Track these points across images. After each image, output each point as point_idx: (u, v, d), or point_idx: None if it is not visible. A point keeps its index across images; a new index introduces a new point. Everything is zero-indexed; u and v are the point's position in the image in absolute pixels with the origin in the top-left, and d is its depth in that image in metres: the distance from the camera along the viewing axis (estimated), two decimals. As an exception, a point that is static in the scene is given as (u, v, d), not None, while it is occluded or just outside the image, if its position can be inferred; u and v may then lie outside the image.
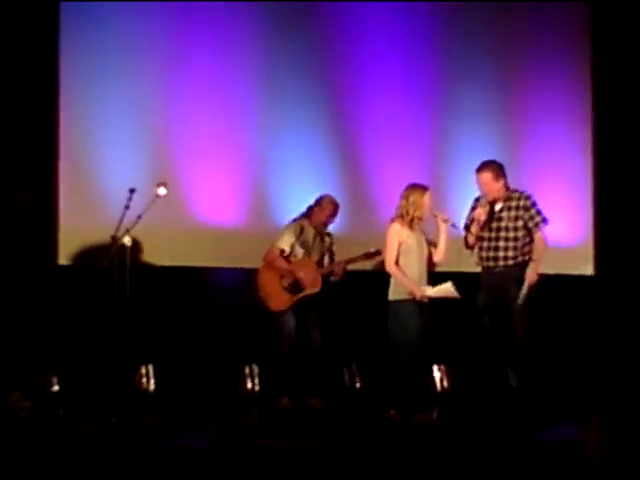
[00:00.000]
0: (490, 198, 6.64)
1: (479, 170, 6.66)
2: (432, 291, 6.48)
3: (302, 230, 7.16)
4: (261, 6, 7.72)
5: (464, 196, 7.80)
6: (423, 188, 6.58)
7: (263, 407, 7.05)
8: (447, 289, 6.47)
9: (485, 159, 6.76)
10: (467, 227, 6.77)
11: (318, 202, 7.17)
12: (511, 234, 6.62)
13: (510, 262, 6.60)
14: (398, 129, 7.88)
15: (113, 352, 6.41)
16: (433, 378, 7.47)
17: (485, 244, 6.66)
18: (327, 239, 7.27)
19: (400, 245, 6.52)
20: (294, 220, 7.23)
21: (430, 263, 6.65)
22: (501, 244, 6.62)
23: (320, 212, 7.16)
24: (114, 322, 6.39)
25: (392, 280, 6.54)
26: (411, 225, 6.53)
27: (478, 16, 7.98)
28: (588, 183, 8.16)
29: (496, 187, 6.62)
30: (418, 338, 6.44)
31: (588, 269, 8.10)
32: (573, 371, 7.39)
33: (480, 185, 6.66)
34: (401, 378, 6.40)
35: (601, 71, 8.15)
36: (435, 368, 7.52)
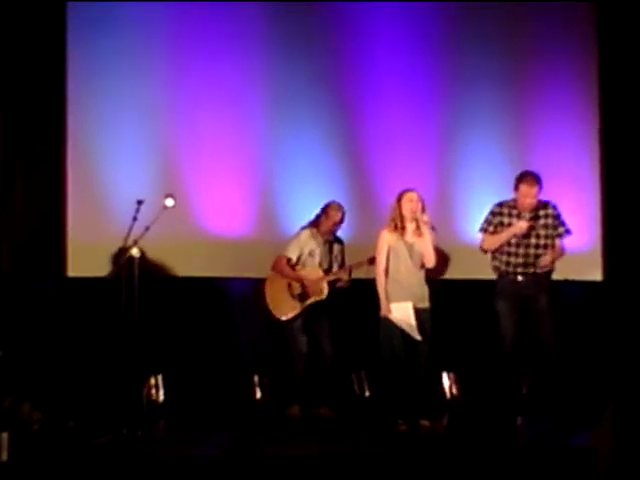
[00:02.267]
0: (527, 210, 6.64)
1: (531, 183, 6.59)
2: (398, 318, 6.48)
3: (309, 238, 7.17)
4: (270, 9, 7.72)
5: (472, 199, 7.81)
6: (402, 191, 6.61)
7: (273, 416, 7.04)
8: (407, 323, 6.46)
9: (529, 171, 6.69)
10: (484, 230, 6.76)
11: (324, 210, 7.19)
12: (542, 241, 6.66)
13: (539, 270, 6.62)
14: (406, 134, 7.87)
15: (122, 363, 6.42)
16: (442, 386, 7.46)
17: (512, 250, 6.66)
18: (336, 246, 7.28)
19: (388, 251, 6.55)
20: (302, 228, 7.25)
21: (429, 269, 6.67)
22: (531, 251, 6.64)
23: (326, 219, 7.17)
24: (123, 333, 6.40)
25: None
26: (396, 230, 6.57)
27: (485, 18, 7.96)
28: (596, 189, 8.15)
29: (537, 199, 6.65)
30: (402, 346, 6.44)
31: (597, 275, 8.08)
32: (583, 377, 7.37)
33: (529, 197, 6.58)
34: (398, 386, 6.42)
35: (609, 74, 8.14)
36: (444, 375, 7.51)
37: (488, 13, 7.97)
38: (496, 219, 6.73)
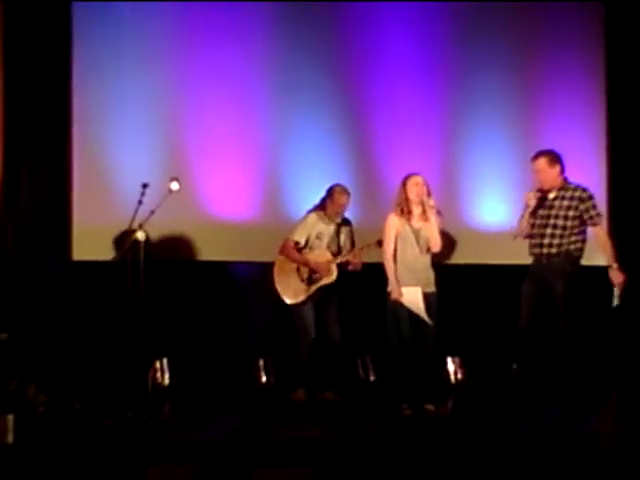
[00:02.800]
0: (545, 186, 6.58)
1: (534, 158, 6.60)
2: (409, 302, 6.49)
3: (316, 221, 7.17)
4: (278, 1, 7.71)
5: (477, 188, 7.80)
6: (407, 175, 6.61)
7: (278, 399, 7.06)
8: (417, 306, 6.46)
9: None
10: (519, 219, 6.72)
11: (329, 192, 7.18)
12: (560, 222, 6.55)
13: (554, 250, 6.53)
14: (411, 121, 7.86)
15: (127, 347, 6.43)
16: (447, 370, 7.47)
17: (535, 231, 6.61)
18: (344, 229, 7.26)
19: (396, 236, 6.54)
20: (308, 212, 7.24)
21: (435, 253, 6.67)
22: (548, 231, 6.55)
23: (332, 202, 7.16)
24: (128, 317, 6.41)
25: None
26: (403, 214, 6.56)
27: (493, 11, 7.94)
28: (603, 176, 8.12)
29: (551, 174, 6.55)
30: (410, 331, 6.45)
31: (603, 260, 8.06)
32: (587, 362, 7.37)
33: (535, 172, 6.57)
34: (404, 370, 6.42)
35: (616, 62, 8.11)
36: (449, 360, 7.51)
37: (496, 6, 7.93)
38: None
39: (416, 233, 6.61)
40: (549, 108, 8.01)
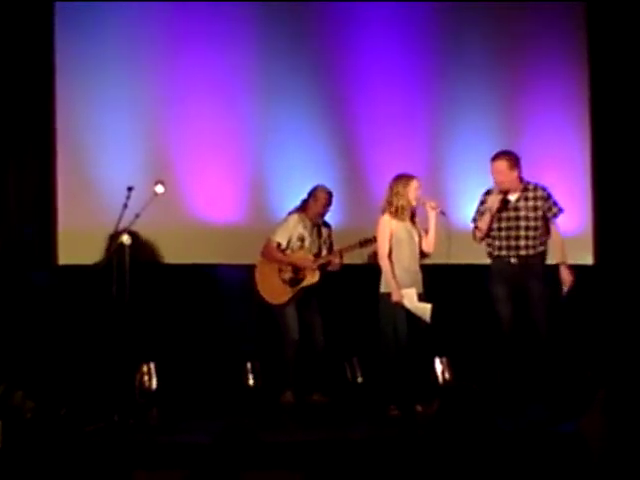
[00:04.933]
0: (503, 188, 6.62)
1: (494, 158, 6.64)
2: (409, 303, 6.48)
3: (298, 223, 7.17)
4: (258, 3, 7.71)
5: (462, 187, 7.82)
6: (407, 177, 6.60)
7: (266, 402, 7.05)
8: (423, 310, 6.48)
9: (501, 149, 6.75)
10: (474, 219, 6.76)
11: (311, 193, 7.19)
12: (532, 223, 6.62)
13: (531, 252, 6.61)
14: (396, 122, 7.87)
15: (114, 351, 6.42)
16: (435, 370, 7.47)
17: (503, 234, 6.64)
18: (324, 230, 7.28)
19: (391, 236, 6.54)
20: (290, 213, 7.24)
21: (421, 254, 6.67)
22: (522, 233, 6.61)
23: (314, 203, 7.17)
24: (114, 321, 6.40)
25: (383, 273, 6.56)
26: (398, 215, 6.55)
27: (476, 9, 7.96)
28: (587, 172, 8.15)
29: (510, 177, 6.60)
30: (406, 331, 6.45)
31: (588, 259, 8.09)
32: (573, 362, 7.39)
33: (494, 174, 6.63)
34: (396, 371, 6.42)
35: (598, 59, 8.14)
36: (437, 360, 7.52)
37: (479, 5, 7.95)
38: (483, 206, 6.73)
39: (409, 234, 6.61)
40: (532, 105, 8.04)
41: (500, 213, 6.63)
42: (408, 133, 7.90)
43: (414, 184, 6.57)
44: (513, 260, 6.63)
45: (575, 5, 8.13)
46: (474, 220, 6.77)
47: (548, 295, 6.62)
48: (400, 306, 6.48)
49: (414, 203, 6.59)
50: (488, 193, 6.72)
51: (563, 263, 6.67)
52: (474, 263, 7.39)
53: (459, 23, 7.95)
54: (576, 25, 8.11)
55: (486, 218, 6.64)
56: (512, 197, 6.66)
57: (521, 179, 6.67)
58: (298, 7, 7.80)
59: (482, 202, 6.74)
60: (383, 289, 6.59)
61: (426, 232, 6.69)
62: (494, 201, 6.60)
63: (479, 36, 8.00)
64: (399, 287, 6.50)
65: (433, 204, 6.62)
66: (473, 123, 7.95)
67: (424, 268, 6.75)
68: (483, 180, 7.46)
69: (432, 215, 6.62)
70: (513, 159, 6.63)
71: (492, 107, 8.00)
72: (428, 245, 6.67)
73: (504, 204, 6.63)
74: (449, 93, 7.96)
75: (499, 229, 6.67)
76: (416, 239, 6.64)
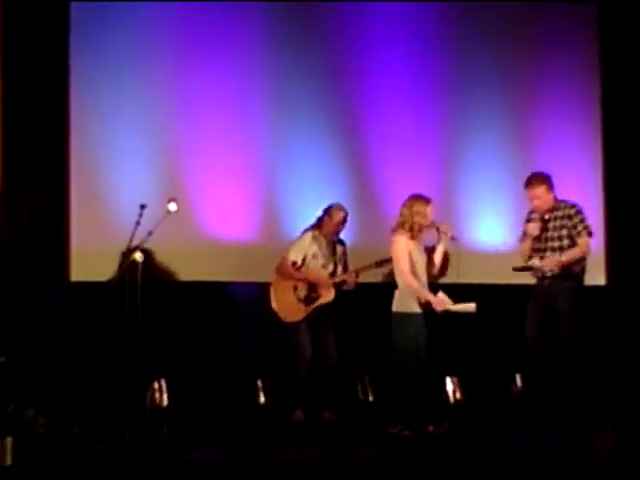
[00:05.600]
0: (542, 211, 6.61)
1: (530, 185, 6.60)
2: (451, 306, 6.46)
3: (313, 241, 7.17)
4: (271, 13, 7.73)
5: (473, 206, 7.81)
6: (426, 199, 6.59)
7: (277, 420, 7.04)
8: (468, 307, 6.46)
9: (533, 172, 6.71)
10: (520, 239, 6.74)
11: (326, 212, 7.19)
12: (556, 244, 6.58)
13: (558, 273, 6.55)
14: (408, 139, 7.87)
15: (126, 368, 6.42)
16: (446, 390, 7.45)
17: (534, 254, 6.63)
18: (339, 248, 7.28)
19: (409, 256, 6.53)
20: (305, 231, 7.25)
21: (428, 274, 6.66)
22: (548, 254, 6.58)
23: (329, 221, 7.17)
24: (126, 338, 6.41)
25: (397, 292, 6.54)
26: (414, 235, 6.54)
27: (487, 23, 7.96)
28: (599, 193, 8.14)
29: (548, 199, 6.59)
30: (424, 351, 6.43)
31: (600, 279, 8.07)
32: (586, 382, 7.36)
33: (533, 199, 6.59)
34: (408, 391, 6.39)
35: (611, 78, 8.13)
36: (448, 380, 7.50)
37: (490, 15, 7.96)
38: (525, 226, 6.71)
39: (422, 254, 6.60)
40: (544, 124, 8.03)
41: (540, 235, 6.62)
42: (420, 150, 7.90)
43: (431, 207, 6.56)
44: (546, 281, 6.58)
45: (586, 11, 8.12)
46: (520, 241, 6.74)
47: (577, 317, 6.55)
48: (446, 312, 6.43)
49: (429, 225, 6.57)
50: (530, 212, 6.67)
51: (562, 254, 6.52)
52: (485, 283, 7.39)
53: (472, 39, 7.94)
54: (588, 33, 8.10)
55: (527, 244, 6.63)
56: (545, 217, 6.63)
57: (555, 198, 6.65)
58: (311, 22, 7.81)
59: (528, 221, 6.70)
60: (400, 308, 6.51)
61: (430, 252, 6.67)
62: (534, 228, 6.59)
63: (492, 55, 8.00)
64: (433, 296, 6.45)
65: (446, 228, 6.61)
66: (485, 143, 7.95)
67: (435, 287, 6.74)
68: (495, 200, 7.48)
69: (443, 239, 6.61)
70: (549, 182, 6.61)
71: (505, 127, 8.00)
72: (435, 268, 6.66)
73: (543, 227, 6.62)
74: (462, 111, 7.96)
75: (532, 249, 6.64)
76: (425, 260, 6.63)
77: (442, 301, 6.44)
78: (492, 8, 7.93)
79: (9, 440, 5.43)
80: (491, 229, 7.67)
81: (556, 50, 8.04)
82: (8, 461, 5.41)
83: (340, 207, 7.18)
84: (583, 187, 8.06)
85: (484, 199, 7.75)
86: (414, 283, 6.47)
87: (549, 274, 6.53)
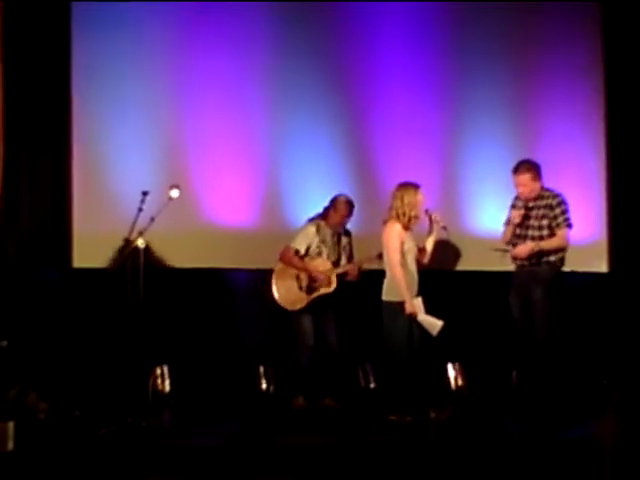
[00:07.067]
0: (528, 199, 6.63)
1: (517, 171, 6.65)
2: (422, 316, 6.46)
3: (318, 230, 7.17)
4: (274, 7, 7.73)
5: (478, 194, 7.81)
6: (415, 186, 6.58)
7: (279, 406, 7.06)
8: (433, 325, 6.44)
9: (521, 159, 6.76)
10: (504, 224, 6.76)
11: (332, 203, 7.18)
12: (536, 233, 6.61)
13: (534, 260, 6.57)
14: (411, 128, 7.87)
15: (128, 353, 6.43)
16: (447, 377, 7.46)
17: (515, 241, 6.65)
18: (344, 239, 7.28)
19: (402, 246, 6.53)
20: (310, 220, 7.24)
21: (419, 263, 6.66)
22: (528, 242, 6.59)
23: (335, 213, 7.17)
24: (128, 324, 6.41)
25: (386, 280, 6.54)
26: (407, 225, 6.54)
27: (490, 14, 7.95)
28: (602, 180, 8.13)
29: (534, 188, 6.61)
30: (418, 338, 6.43)
31: (602, 266, 8.07)
32: (588, 369, 7.37)
33: (518, 186, 6.64)
34: (404, 379, 6.40)
35: (614, 67, 8.12)
36: (450, 366, 7.51)
37: (494, 9, 7.95)
38: (509, 212, 6.74)
39: (414, 243, 6.60)
40: (548, 112, 8.02)
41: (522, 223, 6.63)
42: (423, 139, 7.89)
43: (421, 194, 6.56)
44: (519, 268, 6.63)
45: (590, 7, 8.11)
46: (505, 224, 6.76)
47: (551, 305, 6.57)
48: (414, 317, 6.44)
49: (420, 213, 6.57)
50: (515, 198, 6.69)
51: (539, 242, 6.52)
52: (487, 270, 7.39)
53: (474, 32, 7.92)
54: (592, 27, 8.09)
55: (509, 230, 6.65)
56: (530, 204, 6.65)
57: (541, 187, 6.66)
58: (315, 16, 7.80)
59: (512, 206, 6.72)
60: (390, 297, 6.53)
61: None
62: (515, 216, 6.61)
63: (494, 43, 7.98)
64: (410, 298, 6.47)
65: (438, 217, 6.62)
66: (488, 131, 7.94)
67: (438, 274, 6.75)
68: (498, 187, 7.47)
69: (435, 227, 6.62)
70: (536, 170, 6.63)
71: (507, 113, 7.99)
72: (427, 257, 6.66)
73: (525, 216, 6.63)
74: (464, 101, 7.95)
75: (513, 236, 6.67)
76: (416, 249, 6.64)
77: (414, 306, 6.43)
78: (496, 5, 7.91)
79: (11, 425, 5.44)
80: (493, 217, 7.65)
81: (559, 43, 8.03)
82: (10, 446, 5.42)
83: (346, 198, 7.17)
84: (585, 176, 8.06)
85: (487, 186, 7.74)
86: (400, 278, 6.45)
87: (525, 262, 6.56)
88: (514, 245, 6.66)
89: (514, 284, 6.68)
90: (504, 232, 6.75)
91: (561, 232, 6.60)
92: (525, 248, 6.54)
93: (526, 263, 6.60)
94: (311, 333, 7.10)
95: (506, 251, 6.66)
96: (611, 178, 8.14)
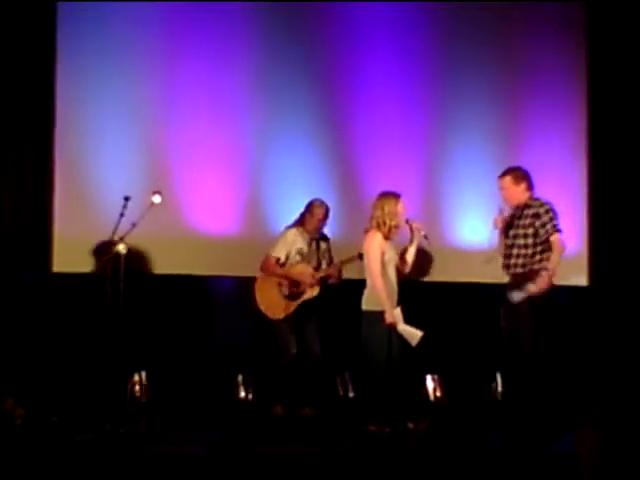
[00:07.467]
0: (511, 204, 6.61)
1: (501, 175, 6.66)
2: (402, 326, 6.45)
3: (296, 237, 7.17)
4: (258, 14, 7.73)
5: (459, 206, 7.83)
6: (396, 196, 6.59)
7: (257, 415, 7.04)
8: (413, 335, 6.44)
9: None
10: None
11: (308, 208, 7.20)
12: (521, 241, 6.58)
13: (519, 270, 6.55)
14: (394, 136, 7.88)
15: (106, 359, 6.40)
16: (426, 388, 7.47)
17: (503, 251, 6.65)
18: (323, 244, 7.29)
19: (382, 255, 6.53)
20: (287, 227, 7.25)
21: (400, 273, 6.66)
22: (514, 251, 6.58)
23: (311, 218, 7.19)
24: (107, 330, 6.38)
25: (366, 290, 6.54)
26: (388, 235, 6.55)
27: (474, 23, 7.98)
28: (582, 193, 8.17)
29: (515, 192, 6.58)
30: (397, 348, 6.42)
31: (582, 280, 8.11)
32: (567, 382, 7.39)
33: (500, 190, 6.64)
34: (383, 389, 6.39)
35: (597, 78, 8.16)
36: (428, 378, 7.52)
37: (476, 14, 7.98)
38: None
39: (395, 252, 6.61)
40: (530, 123, 8.06)
41: (509, 231, 6.62)
42: (405, 146, 7.91)
43: (402, 204, 6.57)
44: (507, 278, 6.63)
45: (575, 7, 8.15)
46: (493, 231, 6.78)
47: (536, 314, 6.56)
48: (394, 328, 6.43)
49: (401, 222, 6.57)
50: (501, 211, 6.70)
51: (546, 270, 6.49)
52: (469, 281, 7.41)
53: (459, 37, 7.96)
54: (574, 34, 8.13)
55: (500, 239, 6.65)
56: (517, 213, 6.64)
57: (530, 195, 6.64)
58: (299, 18, 7.81)
59: (499, 211, 6.73)
60: (370, 306, 6.52)
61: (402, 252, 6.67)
62: (497, 221, 6.61)
63: (478, 54, 8.02)
64: (392, 308, 6.46)
65: (419, 226, 6.63)
66: (471, 141, 7.97)
67: (418, 285, 6.76)
68: (479, 198, 7.50)
69: (416, 236, 6.63)
70: (518, 174, 6.63)
71: (490, 123, 8.02)
72: (408, 266, 6.66)
73: (512, 219, 6.61)
74: (447, 107, 7.98)
75: (506, 246, 6.65)
76: (397, 258, 6.64)
77: (394, 316, 6.44)
78: (478, 7, 7.94)
79: (-13, 430, 5.41)
80: (475, 228, 7.68)
81: (543, 50, 8.07)
82: (-14, 451, 5.38)
83: (320, 203, 7.19)
84: (567, 187, 8.10)
85: (469, 198, 7.77)
86: (381, 288, 6.44)
87: (518, 270, 6.55)
88: (506, 256, 6.63)
89: (506, 295, 6.65)
90: (498, 242, 6.72)
91: (554, 237, 6.56)
92: (543, 281, 6.47)
93: (519, 271, 6.55)
94: (294, 342, 7.10)
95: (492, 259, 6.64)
96: (592, 191, 8.18)
